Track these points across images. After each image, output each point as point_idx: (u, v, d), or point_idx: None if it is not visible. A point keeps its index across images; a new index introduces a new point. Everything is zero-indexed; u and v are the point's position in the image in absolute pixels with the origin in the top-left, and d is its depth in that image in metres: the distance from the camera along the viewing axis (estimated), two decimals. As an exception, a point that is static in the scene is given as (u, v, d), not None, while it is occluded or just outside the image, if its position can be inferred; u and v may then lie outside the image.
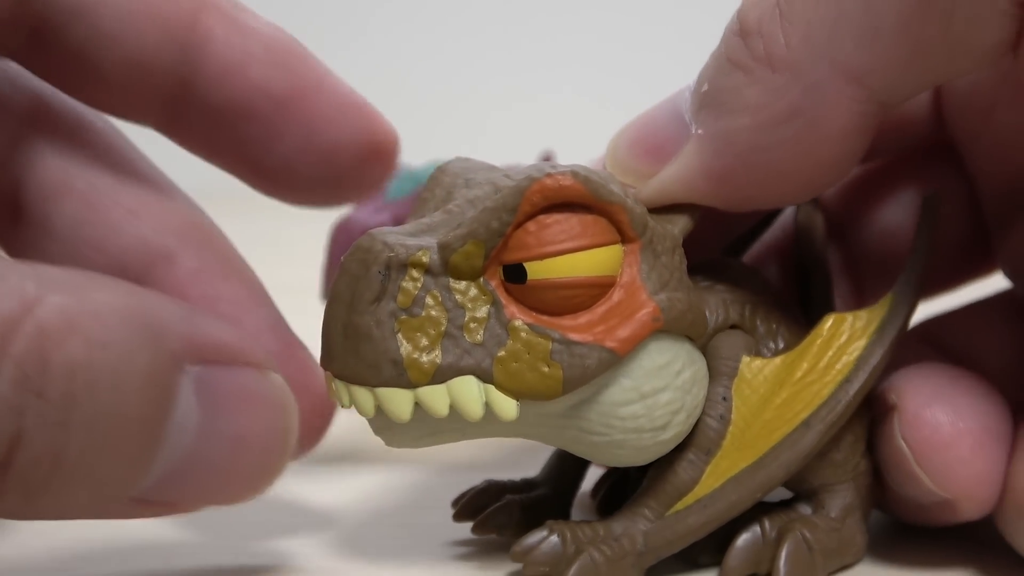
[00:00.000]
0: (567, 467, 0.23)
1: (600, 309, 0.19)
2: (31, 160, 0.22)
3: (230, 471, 0.18)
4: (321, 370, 0.21)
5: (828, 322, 0.21)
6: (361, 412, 0.19)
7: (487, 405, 0.18)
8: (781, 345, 0.22)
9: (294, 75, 0.22)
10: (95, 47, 0.21)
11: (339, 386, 0.19)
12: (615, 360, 0.19)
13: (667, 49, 1.05)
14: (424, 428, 0.19)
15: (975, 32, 0.18)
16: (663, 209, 0.21)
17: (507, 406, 0.18)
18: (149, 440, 0.17)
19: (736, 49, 0.20)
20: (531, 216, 0.19)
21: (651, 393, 0.19)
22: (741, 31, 0.20)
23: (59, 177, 0.22)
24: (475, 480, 0.24)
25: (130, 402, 0.16)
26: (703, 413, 0.20)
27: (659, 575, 0.21)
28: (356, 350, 0.18)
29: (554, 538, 0.20)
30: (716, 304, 0.21)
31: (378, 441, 0.19)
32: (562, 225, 0.19)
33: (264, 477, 0.18)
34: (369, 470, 0.28)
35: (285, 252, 0.57)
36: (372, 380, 0.18)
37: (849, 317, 0.21)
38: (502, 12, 1.05)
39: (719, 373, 0.21)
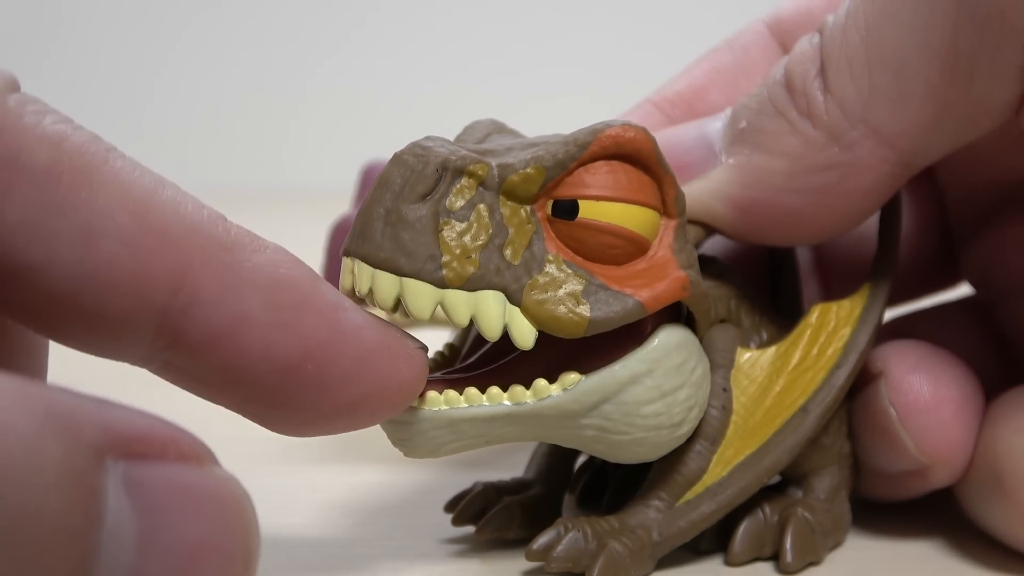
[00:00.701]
0: (556, 464, 0.24)
1: (633, 268, 0.20)
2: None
3: None
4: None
5: (815, 312, 0.22)
6: (380, 302, 0.18)
7: (506, 327, 0.19)
8: (765, 337, 0.23)
9: (301, 334, 0.18)
10: (66, 314, 0.17)
11: (361, 269, 0.18)
12: (642, 313, 0.19)
13: (667, 49, 1.05)
14: (446, 436, 0.19)
15: (994, 90, 0.20)
16: None
17: (527, 332, 0.19)
18: (77, 555, 0.13)
19: (780, 99, 0.21)
20: (598, 158, 0.19)
21: (671, 391, 0.20)
22: (787, 84, 0.21)
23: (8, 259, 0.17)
24: (475, 479, 0.24)
25: (46, 507, 0.12)
26: (707, 405, 0.21)
27: (664, 563, 0.21)
28: (395, 236, 0.18)
29: (574, 534, 0.20)
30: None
31: (377, 441, 0.19)
32: (621, 175, 0.19)
33: None
34: (368, 470, 0.28)
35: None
36: (404, 268, 0.18)
37: (834, 307, 0.23)
38: (502, 12, 1.06)
39: (717, 365, 0.22)
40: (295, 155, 0.98)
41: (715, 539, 0.22)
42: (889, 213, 0.24)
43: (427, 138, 0.19)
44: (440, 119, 1.04)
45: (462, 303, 0.18)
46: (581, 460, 0.25)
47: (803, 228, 0.22)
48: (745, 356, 0.22)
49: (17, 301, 0.17)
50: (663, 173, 0.20)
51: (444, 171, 0.18)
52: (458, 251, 0.18)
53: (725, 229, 0.22)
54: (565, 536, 0.20)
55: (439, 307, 0.18)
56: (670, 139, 0.22)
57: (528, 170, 0.19)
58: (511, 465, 0.27)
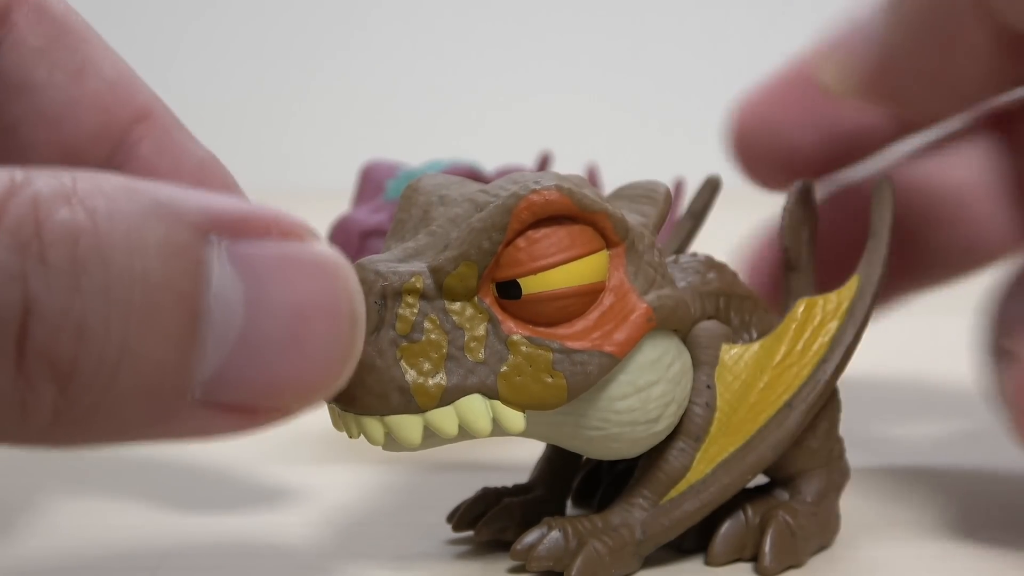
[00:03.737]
0: (558, 467, 0.24)
1: (594, 315, 0.19)
2: None
3: (296, 346, 0.16)
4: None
5: (801, 307, 0.22)
6: (372, 441, 0.19)
7: (495, 420, 0.19)
8: (754, 335, 0.23)
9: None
10: (30, 125, 0.21)
11: (348, 418, 0.19)
12: (615, 363, 0.19)
13: (667, 48, 1.05)
14: (430, 441, 0.19)
15: None
16: (631, 200, 0.22)
17: (515, 419, 0.19)
18: (188, 314, 0.15)
19: None
20: (520, 233, 0.19)
21: (645, 387, 0.20)
22: None
23: (19, 75, 0.22)
24: (474, 479, 0.24)
25: (151, 270, 0.15)
26: (690, 402, 0.21)
27: (647, 561, 0.21)
28: (362, 381, 0.18)
29: (555, 533, 0.20)
30: (693, 298, 0.22)
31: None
32: (551, 239, 0.19)
33: (338, 350, 0.16)
34: (368, 470, 0.28)
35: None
36: (381, 409, 0.19)
37: (820, 300, 0.22)
38: (501, 11, 1.05)
39: (701, 362, 0.21)
40: (295, 155, 0.98)
41: (698, 538, 0.22)
42: (879, 203, 0.23)
43: (357, 265, 0.19)
44: (440, 119, 1.04)
45: (447, 418, 0.19)
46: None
47: (931, 90, 0.23)
48: (730, 353, 0.22)
49: (13, 112, 0.21)
50: (591, 213, 0.19)
51: (383, 299, 0.19)
52: (424, 373, 0.19)
53: (870, 101, 0.24)
54: (547, 535, 0.20)
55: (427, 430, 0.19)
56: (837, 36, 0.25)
57: (460, 269, 0.19)
58: (511, 463, 0.27)
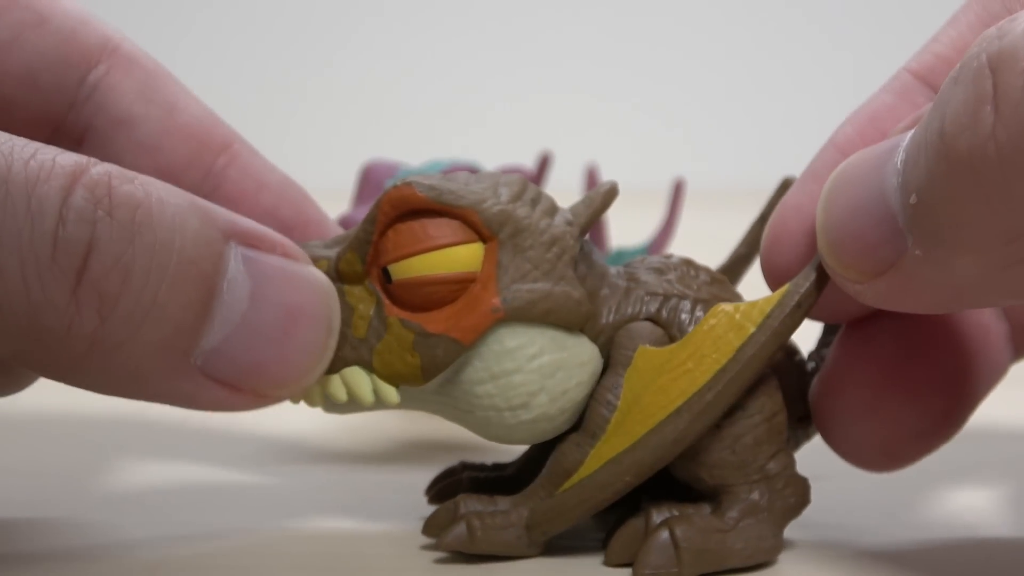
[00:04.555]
0: (534, 453, 0.24)
1: (460, 303, 0.21)
2: (96, 98, 0.25)
3: (283, 340, 0.20)
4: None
5: (715, 313, 0.21)
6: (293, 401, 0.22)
7: (374, 392, 0.21)
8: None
9: (300, 210, 0.26)
10: (132, 156, 0.24)
11: None
12: (462, 349, 0.21)
13: (666, 48, 1.05)
14: (335, 408, 0.22)
15: None
16: (583, 201, 0.23)
17: (389, 392, 0.21)
18: (206, 291, 0.19)
19: (943, 175, 0.17)
20: (388, 225, 0.21)
21: (501, 374, 0.21)
22: (948, 157, 0.17)
23: (119, 111, 0.25)
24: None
25: (187, 248, 0.19)
26: (595, 400, 0.22)
27: (553, 552, 0.22)
28: None
29: (449, 505, 0.22)
30: (628, 298, 0.22)
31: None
32: (414, 231, 0.21)
33: (315, 352, 0.21)
34: (368, 470, 0.28)
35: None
36: None
37: (731, 308, 0.21)
38: (501, 11, 1.06)
39: (616, 363, 0.22)
40: (295, 154, 0.98)
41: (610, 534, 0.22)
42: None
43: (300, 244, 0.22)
44: (440, 119, 1.04)
45: (336, 385, 0.21)
46: None
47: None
48: (646, 354, 0.21)
49: (116, 143, 0.25)
50: (453, 208, 0.21)
51: None
52: None
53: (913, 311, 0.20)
54: (444, 508, 0.22)
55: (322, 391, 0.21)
56: (851, 215, 0.19)
57: (347, 256, 0.21)
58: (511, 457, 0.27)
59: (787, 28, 1.03)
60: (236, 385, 0.20)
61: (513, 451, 0.25)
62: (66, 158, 0.19)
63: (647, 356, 0.21)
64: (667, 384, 0.21)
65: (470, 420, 0.22)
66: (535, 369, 0.21)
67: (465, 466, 0.25)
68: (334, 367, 0.21)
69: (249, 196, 0.25)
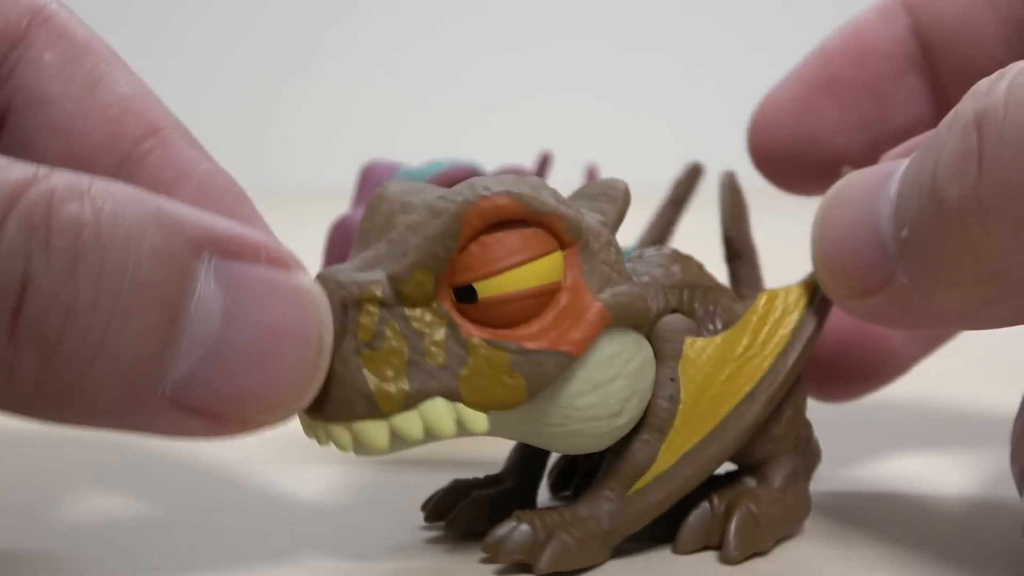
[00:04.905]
0: (528, 459, 0.24)
1: (550, 315, 0.20)
2: (16, 75, 0.23)
3: (264, 363, 0.18)
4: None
5: (763, 299, 0.23)
6: (340, 448, 0.20)
7: (458, 422, 0.19)
8: (720, 326, 0.23)
9: (225, 207, 0.22)
10: (43, 138, 0.22)
11: (316, 426, 0.20)
12: (571, 361, 0.20)
13: (666, 48, 1.05)
14: (397, 445, 0.20)
15: None
16: (591, 199, 0.22)
17: (478, 420, 0.20)
18: (168, 315, 0.17)
19: (933, 217, 0.18)
20: (472, 239, 0.19)
21: (604, 383, 0.20)
22: (938, 202, 0.18)
23: (35, 89, 0.22)
24: (453, 472, 0.24)
25: (143, 270, 0.17)
26: (654, 395, 0.22)
27: (619, 550, 0.22)
28: (327, 390, 0.19)
29: (524, 526, 0.20)
30: (656, 292, 0.22)
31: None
32: (504, 243, 0.19)
33: (302, 373, 0.18)
34: (368, 470, 0.28)
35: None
36: (346, 416, 0.19)
37: (781, 293, 0.23)
38: (501, 12, 1.06)
39: (665, 356, 0.22)
40: (295, 155, 0.98)
41: (670, 526, 0.22)
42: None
43: (318, 276, 0.20)
44: (440, 119, 1.04)
45: (412, 422, 0.19)
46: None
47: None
48: (694, 346, 0.22)
49: (28, 125, 0.22)
50: (542, 215, 0.20)
51: (344, 308, 0.19)
52: (386, 379, 0.19)
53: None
54: (517, 528, 0.20)
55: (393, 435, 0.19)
56: (846, 235, 0.21)
57: (416, 276, 0.19)
58: (488, 461, 0.27)
59: (787, 29, 1.03)
60: (215, 414, 0.18)
61: (498, 457, 0.25)
62: (9, 173, 0.17)
63: (698, 347, 0.22)
64: (734, 371, 0.22)
65: (556, 434, 0.21)
66: (629, 374, 0.21)
67: (467, 484, 0.23)
68: (411, 402, 0.19)
69: (164, 188, 0.22)
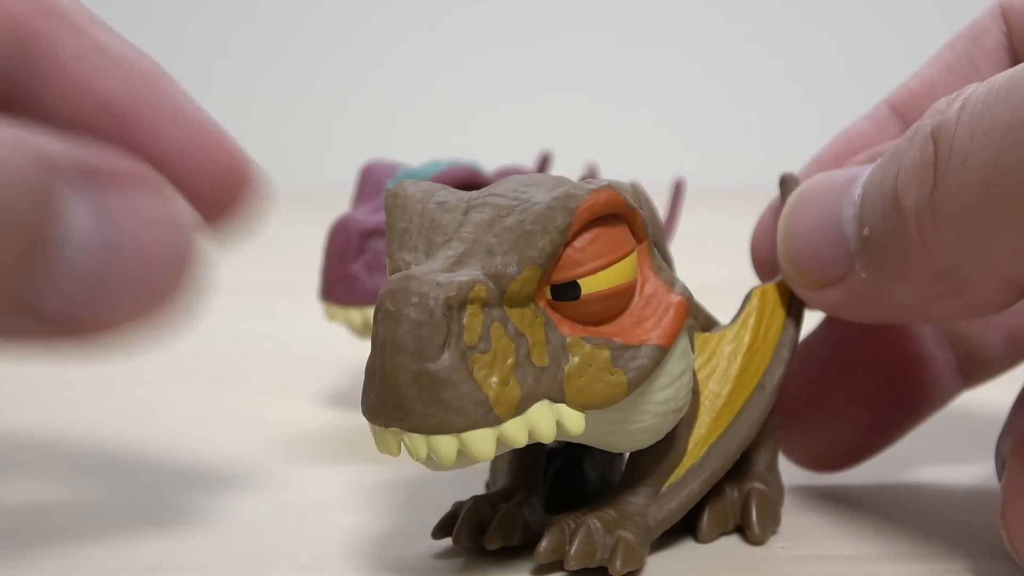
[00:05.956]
0: (527, 469, 0.23)
1: (635, 310, 0.20)
2: None
3: (136, 283, 0.18)
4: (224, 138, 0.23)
5: (756, 295, 0.24)
6: (443, 461, 0.18)
7: (558, 423, 0.19)
8: (701, 320, 0.24)
9: (143, 94, 0.21)
10: None
11: (413, 440, 0.18)
12: (664, 354, 0.20)
13: (666, 48, 1.05)
14: (496, 452, 0.19)
15: None
16: None
17: (577, 420, 0.19)
18: (30, 240, 0.17)
19: (893, 220, 0.20)
20: (579, 234, 0.19)
21: (679, 375, 0.21)
22: (898, 205, 0.20)
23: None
24: (472, 477, 0.24)
25: (2, 197, 0.16)
26: None
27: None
28: (438, 399, 0.18)
29: (583, 531, 0.20)
30: None
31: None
32: (604, 238, 0.19)
33: (170, 290, 0.18)
34: (367, 470, 0.28)
35: (283, 252, 0.57)
36: (460, 425, 0.18)
37: (770, 288, 0.24)
38: (499, 12, 1.06)
39: None
40: (295, 155, 0.98)
41: (685, 518, 0.22)
42: (785, 189, 0.25)
43: (406, 277, 0.18)
44: (440, 119, 1.04)
45: (519, 428, 0.18)
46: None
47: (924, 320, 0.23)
48: (700, 341, 0.23)
49: None
50: (633, 211, 0.20)
51: (449, 310, 0.18)
52: (498, 383, 0.18)
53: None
54: (578, 533, 0.20)
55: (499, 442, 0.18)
56: (809, 233, 0.22)
57: (524, 274, 0.19)
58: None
59: (787, 28, 1.03)
60: (86, 325, 0.18)
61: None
62: None
63: (705, 341, 0.23)
64: (745, 364, 0.23)
65: (631, 431, 0.20)
66: (691, 367, 0.21)
67: (487, 500, 0.22)
68: (523, 406, 0.18)
69: (82, 88, 0.21)
